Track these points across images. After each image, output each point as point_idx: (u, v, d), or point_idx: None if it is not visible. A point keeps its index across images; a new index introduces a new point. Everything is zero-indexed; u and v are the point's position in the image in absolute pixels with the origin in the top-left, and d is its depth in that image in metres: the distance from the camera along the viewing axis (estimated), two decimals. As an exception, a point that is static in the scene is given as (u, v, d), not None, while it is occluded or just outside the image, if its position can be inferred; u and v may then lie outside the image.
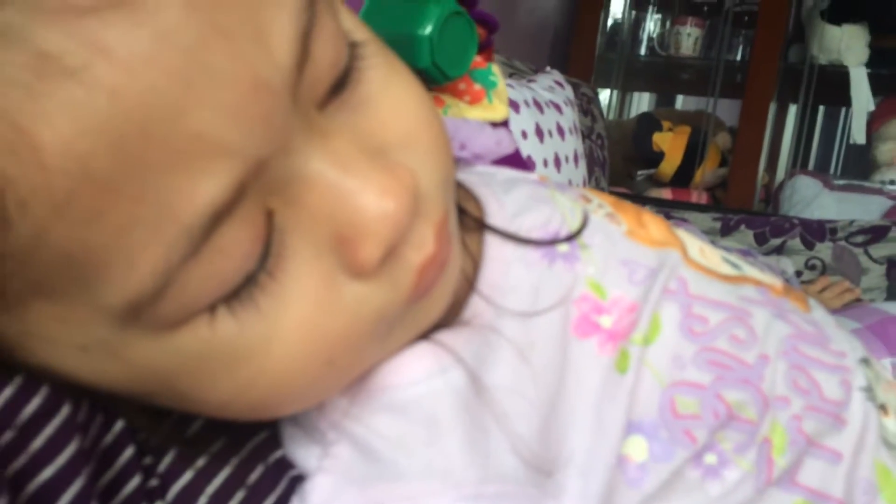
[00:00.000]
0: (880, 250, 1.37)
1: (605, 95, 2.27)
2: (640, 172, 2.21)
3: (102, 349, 0.22)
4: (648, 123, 2.12)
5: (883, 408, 0.37)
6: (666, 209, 1.57)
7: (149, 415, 0.27)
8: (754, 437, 0.33)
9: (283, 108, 0.22)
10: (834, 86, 1.88)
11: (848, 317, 0.91)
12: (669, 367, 0.33)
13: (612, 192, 1.53)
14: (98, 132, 0.18)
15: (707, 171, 2.02)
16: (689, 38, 2.06)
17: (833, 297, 1.17)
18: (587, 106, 1.60)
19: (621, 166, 2.12)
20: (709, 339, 0.34)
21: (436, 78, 0.53)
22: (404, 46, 0.53)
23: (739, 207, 1.80)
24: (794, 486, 0.33)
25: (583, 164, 1.33)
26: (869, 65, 1.87)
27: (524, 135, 1.13)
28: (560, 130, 1.23)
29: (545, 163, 1.16)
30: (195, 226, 0.20)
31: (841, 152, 2.59)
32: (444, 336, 0.30)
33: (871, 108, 1.88)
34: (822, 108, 2.39)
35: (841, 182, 1.95)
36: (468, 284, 0.32)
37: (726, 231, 1.43)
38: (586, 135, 1.52)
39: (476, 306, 0.32)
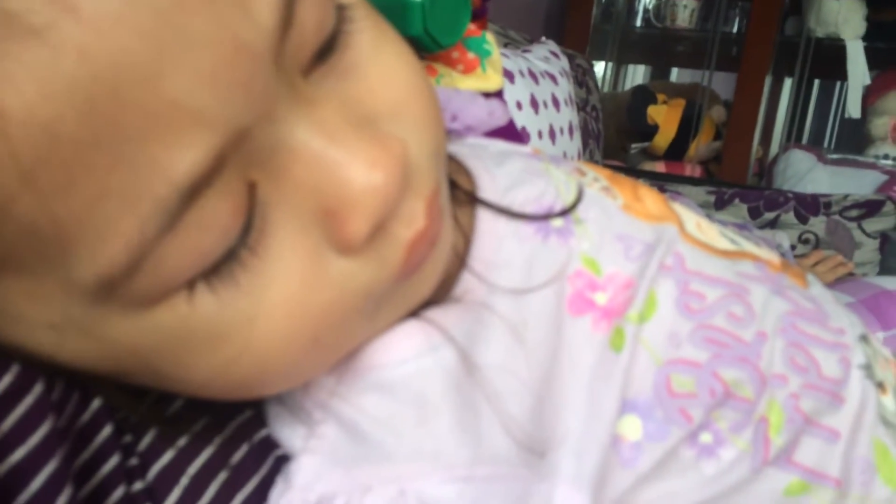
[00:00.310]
0: (874, 224, 1.37)
1: (599, 67, 2.25)
2: (633, 145, 2.20)
3: (75, 327, 0.21)
4: (643, 96, 2.10)
5: (881, 385, 0.36)
6: (660, 182, 1.56)
7: (128, 393, 0.26)
8: (751, 416, 0.32)
9: (265, 73, 0.21)
10: (830, 59, 1.87)
11: (841, 291, 0.91)
12: (665, 344, 0.32)
13: (605, 165, 1.52)
14: (65, 96, 0.17)
15: (701, 145, 2.01)
16: (686, 9, 2.03)
17: (826, 270, 1.17)
18: (582, 77, 1.58)
19: (615, 139, 2.11)
20: (706, 317, 0.33)
21: (428, 46, 0.52)
22: (395, 13, 0.52)
23: (733, 181, 1.79)
24: (791, 465, 0.32)
25: (577, 136, 1.32)
26: (866, 38, 1.85)
27: (519, 106, 1.11)
28: (555, 102, 1.21)
29: (539, 135, 1.15)
30: (172, 198, 0.19)
31: (835, 126, 2.58)
32: (435, 313, 0.30)
33: (867, 81, 1.87)
34: (817, 82, 2.37)
35: (835, 156, 1.94)
36: (459, 260, 0.31)
37: (720, 205, 1.43)
38: (581, 107, 1.50)
39: (467, 283, 0.31)
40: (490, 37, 0.59)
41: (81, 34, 0.17)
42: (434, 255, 0.27)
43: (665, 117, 2.02)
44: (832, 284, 0.99)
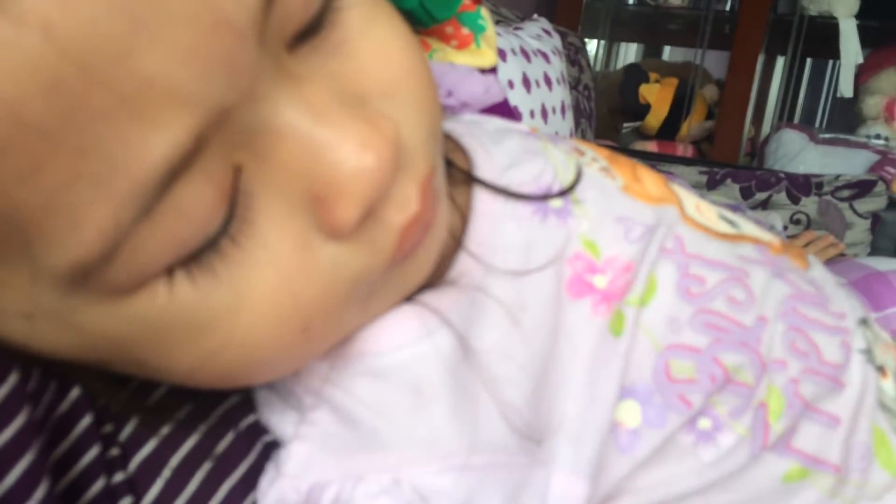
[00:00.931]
0: (865, 205, 1.37)
1: (592, 45, 2.23)
2: (625, 125, 2.18)
3: (49, 316, 0.20)
4: (635, 75, 2.08)
5: (881, 370, 0.36)
6: (652, 162, 1.55)
7: (108, 380, 0.25)
8: (750, 402, 0.31)
9: (248, 50, 0.19)
10: (823, 37, 1.86)
11: (832, 272, 0.91)
12: (665, 329, 0.31)
13: (597, 145, 1.50)
14: (30, 74, 0.16)
15: (693, 124, 2.00)
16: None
17: (817, 251, 1.17)
18: (574, 56, 1.56)
19: (607, 118, 2.09)
20: (706, 301, 0.32)
21: (423, 20, 0.50)
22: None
23: (725, 161, 1.78)
24: (790, 451, 0.32)
25: (570, 115, 1.30)
26: (858, 16, 1.84)
27: (511, 84, 1.09)
28: (547, 80, 1.20)
29: (532, 114, 1.13)
30: (147, 183, 0.18)
31: (827, 105, 2.57)
32: (430, 297, 0.29)
33: (860, 60, 1.85)
34: (809, 61, 2.36)
35: (827, 136, 1.93)
36: (455, 242, 0.30)
37: (712, 185, 1.42)
38: (573, 85, 1.49)
39: (464, 265, 0.30)
40: (485, 12, 0.57)
41: (46, 6, 0.16)
42: (428, 240, 0.26)
43: (657, 96, 2.01)
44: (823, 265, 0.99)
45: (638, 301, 0.31)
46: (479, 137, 0.35)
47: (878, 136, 1.91)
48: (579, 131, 1.48)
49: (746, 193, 1.40)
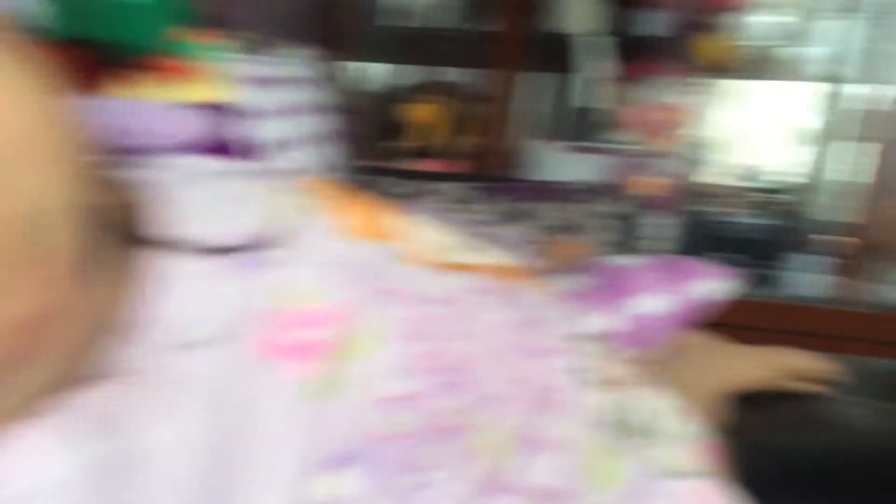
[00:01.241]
0: (609, 207, 1.50)
1: (355, 67, 2.24)
2: (390, 144, 2.22)
3: None
4: (400, 95, 2.12)
5: (604, 383, 0.37)
6: (416, 180, 1.58)
7: None
8: (470, 444, 0.30)
9: None
10: (573, 52, 2.03)
11: (579, 275, 0.97)
12: (382, 380, 0.29)
13: (361, 167, 1.51)
14: None
15: (457, 141, 2.08)
16: (443, 7, 2.10)
17: (565, 255, 1.25)
18: (335, 80, 1.55)
19: (371, 139, 2.11)
20: (425, 342, 0.31)
21: (121, 50, 0.46)
22: (82, 15, 0.45)
23: (488, 175, 1.87)
24: (513, 488, 0.31)
25: (328, 141, 1.28)
26: (608, 31, 2.03)
27: (260, 115, 1.05)
28: (303, 108, 1.17)
29: (281, 145, 1.10)
30: None
31: (578, 116, 2.81)
32: (76, 399, 0.23)
33: (607, 73, 2.06)
34: (561, 75, 2.56)
35: (577, 144, 2.11)
36: (120, 319, 0.25)
37: (475, 200, 1.48)
38: (333, 110, 1.47)
39: (136, 346, 0.25)
40: (218, 43, 0.54)
41: None
42: (53, 336, 0.21)
43: (422, 115, 2.06)
44: (572, 268, 1.06)
45: (353, 352, 0.29)
46: (171, 185, 0.30)
47: (621, 143, 2.12)
48: (340, 155, 1.47)
49: (506, 205, 1.47)
